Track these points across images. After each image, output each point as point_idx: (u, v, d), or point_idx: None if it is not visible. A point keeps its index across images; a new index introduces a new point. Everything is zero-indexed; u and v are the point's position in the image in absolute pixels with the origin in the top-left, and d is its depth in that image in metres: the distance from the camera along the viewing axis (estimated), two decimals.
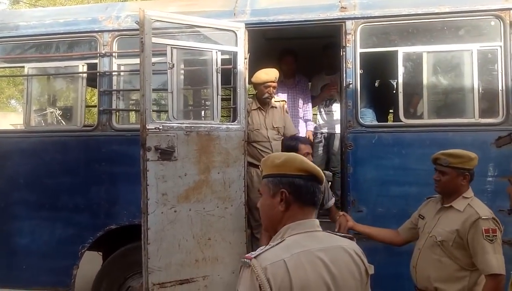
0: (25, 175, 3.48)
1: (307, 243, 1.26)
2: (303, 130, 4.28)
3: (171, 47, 2.93)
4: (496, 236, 2.06)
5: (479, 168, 2.87)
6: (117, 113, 3.48)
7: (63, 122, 4.25)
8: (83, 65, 3.54)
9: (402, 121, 3.05)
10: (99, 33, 3.48)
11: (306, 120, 4.34)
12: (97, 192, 3.37)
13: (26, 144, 3.54)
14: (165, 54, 2.97)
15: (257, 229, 3.45)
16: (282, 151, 3.53)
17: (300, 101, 4.29)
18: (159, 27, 2.96)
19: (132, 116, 4.12)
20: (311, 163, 1.39)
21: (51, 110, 4.18)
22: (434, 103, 3.15)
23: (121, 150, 3.39)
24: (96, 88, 4.12)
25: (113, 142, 3.40)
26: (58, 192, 3.42)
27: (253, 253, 1.24)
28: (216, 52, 3.09)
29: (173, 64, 2.92)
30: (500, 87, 2.94)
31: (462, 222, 2.13)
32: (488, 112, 2.99)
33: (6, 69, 4.11)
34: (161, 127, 2.82)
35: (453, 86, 3.17)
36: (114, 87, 3.44)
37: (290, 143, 3.24)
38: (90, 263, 3.70)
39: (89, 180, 3.39)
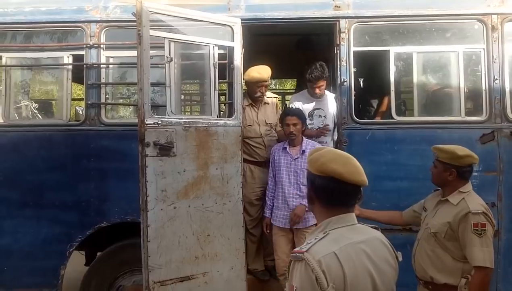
0: (6, 172, 3.29)
1: (351, 236, 1.33)
2: None
3: (169, 41, 2.87)
4: (485, 230, 2.12)
5: None
6: (106, 107, 3.36)
7: (40, 116, 4.03)
8: (68, 57, 3.38)
9: (394, 119, 3.18)
10: (86, 24, 3.33)
11: None
12: (86, 189, 3.25)
13: (6, 139, 3.34)
14: (156, 48, 2.91)
15: (251, 225, 3.48)
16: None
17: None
18: (153, 19, 2.88)
19: (121, 110, 3.98)
20: (337, 164, 1.34)
21: (26, 103, 3.94)
22: (423, 102, 3.30)
23: (111, 145, 3.28)
24: (77, 82, 3.97)
25: (103, 137, 3.28)
26: (43, 189, 3.26)
27: (302, 247, 1.28)
28: (213, 46, 3.06)
29: (171, 58, 2.86)
30: (483, 88, 3.14)
31: (454, 215, 2.21)
32: (473, 111, 3.18)
33: None
34: (160, 122, 2.76)
35: (441, 86, 3.33)
36: (103, 80, 3.32)
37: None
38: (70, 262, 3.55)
39: (77, 176, 3.26)
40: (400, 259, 1.44)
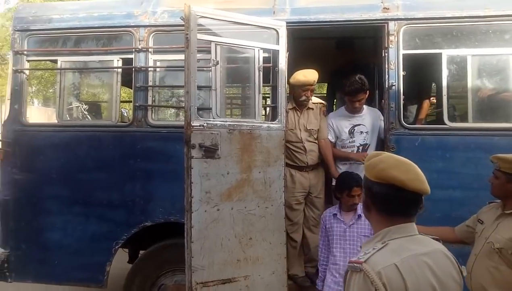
0: (58, 170, 3.45)
1: (412, 247, 1.26)
2: None
3: (215, 44, 2.90)
4: None
5: None
6: (153, 109, 3.45)
7: (90, 117, 4.21)
8: (118, 60, 3.50)
9: (446, 124, 3.03)
10: (135, 28, 3.44)
11: None
12: (132, 189, 3.34)
13: (59, 138, 3.50)
14: (200, 52, 2.94)
15: (291, 230, 3.43)
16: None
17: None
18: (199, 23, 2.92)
19: (166, 112, 4.07)
20: (398, 171, 1.30)
21: (77, 105, 4.13)
22: (479, 107, 3.12)
23: (157, 146, 3.35)
24: (126, 85, 4.11)
25: (149, 139, 3.36)
26: (92, 187, 3.39)
27: (360, 257, 1.22)
28: (258, 50, 3.07)
29: (218, 61, 2.89)
30: None
31: None
32: None
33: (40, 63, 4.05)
34: (205, 124, 2.79)
35: (498, 90, 3.15)
36: (150, 83, 3.41)
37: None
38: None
39: (124, 176, 3.36)
40: (465, 274, 1.35)
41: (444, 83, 3.05)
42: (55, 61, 3.68)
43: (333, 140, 3.51)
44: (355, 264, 1.20)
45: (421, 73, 3.65)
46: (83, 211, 3.40)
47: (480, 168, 2.90)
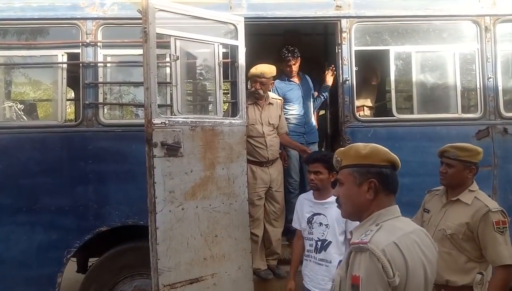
0: None
1: (402, 226, 1.35)
2: None
3: (175, 39, 2.81)
4: (506, 227, 2.08)
5: None
6: (104, 107, 3.25)
7: (32, 118, 3.85)
8: (62, 55, 3.25)
9: (394, 116, 3.25)
10: (82, 21, 3.22)
11: None
12: (84, 192, 3.13)
13: None
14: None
15: (253, 225, 3.44)
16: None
17: None
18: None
19: (119, 110, 3.82)
20: (392, 153, 1.45)
21: (15, 105, 3.75)
22: (422, 100, 3.38)
23: (110, 146, 3.18)
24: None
25: (101, 139, 3.17)
26: (37, 193, 3.11)
27: (362, 238, 1.28)
28: (218, 45, 3.03)
29: (178, 56, 2.80)
30: (478, 86, 3.26)
31: (472, 215, 2.15)
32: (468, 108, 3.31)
33: None
34: (167, 122, 2.70)
35: (438, 84, 3.44)
36: (101, 80, 3.21)
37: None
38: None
39: (74, 179, 3.13)
40: (437, 250, 1.48)
41: (392, 78, 3.27)
42: None
43: (298, 227, 2.80)
44: (360, 245, 1.25)
45: None
46: (27, 219, 3.11)
47: (426, 155, 3.16)
